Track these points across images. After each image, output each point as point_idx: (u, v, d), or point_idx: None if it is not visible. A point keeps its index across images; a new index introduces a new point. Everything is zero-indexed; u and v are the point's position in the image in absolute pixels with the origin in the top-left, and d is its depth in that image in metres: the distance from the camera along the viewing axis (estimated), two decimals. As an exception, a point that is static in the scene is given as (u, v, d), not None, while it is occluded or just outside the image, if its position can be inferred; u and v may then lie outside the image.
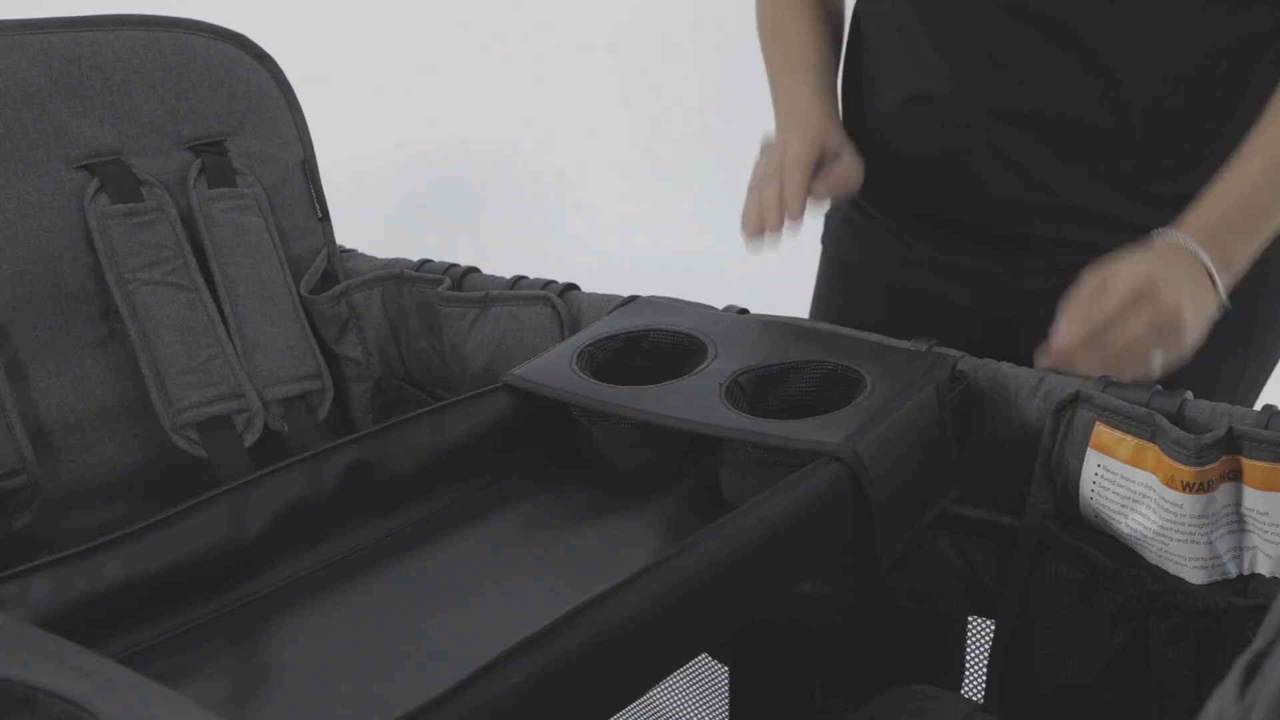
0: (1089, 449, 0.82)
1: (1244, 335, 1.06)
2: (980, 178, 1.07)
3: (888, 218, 1.17)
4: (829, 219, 1.27)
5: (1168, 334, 0.85)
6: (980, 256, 1.11)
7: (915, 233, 1.15)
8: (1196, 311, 0.86)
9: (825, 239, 1.27)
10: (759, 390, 0.90)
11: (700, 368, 0.91)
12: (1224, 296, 0.89)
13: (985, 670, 0.97)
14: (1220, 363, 1.04)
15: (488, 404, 0.92)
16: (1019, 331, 1.13)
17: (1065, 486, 0.85)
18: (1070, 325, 0.85)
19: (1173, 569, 0.81)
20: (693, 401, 0.86)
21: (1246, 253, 0.91)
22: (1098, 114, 1.00)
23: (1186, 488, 0.77)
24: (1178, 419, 0.79)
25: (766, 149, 1.04)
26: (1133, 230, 0.94)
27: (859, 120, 1.16)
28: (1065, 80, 1.00)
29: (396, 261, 1.19)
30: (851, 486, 0.77)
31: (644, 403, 0.87)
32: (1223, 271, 0.89)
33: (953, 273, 1.13)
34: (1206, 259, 0.87)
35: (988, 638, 0.96)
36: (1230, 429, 0.76)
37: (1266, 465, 0.76)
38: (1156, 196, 1.01)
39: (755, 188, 1.00)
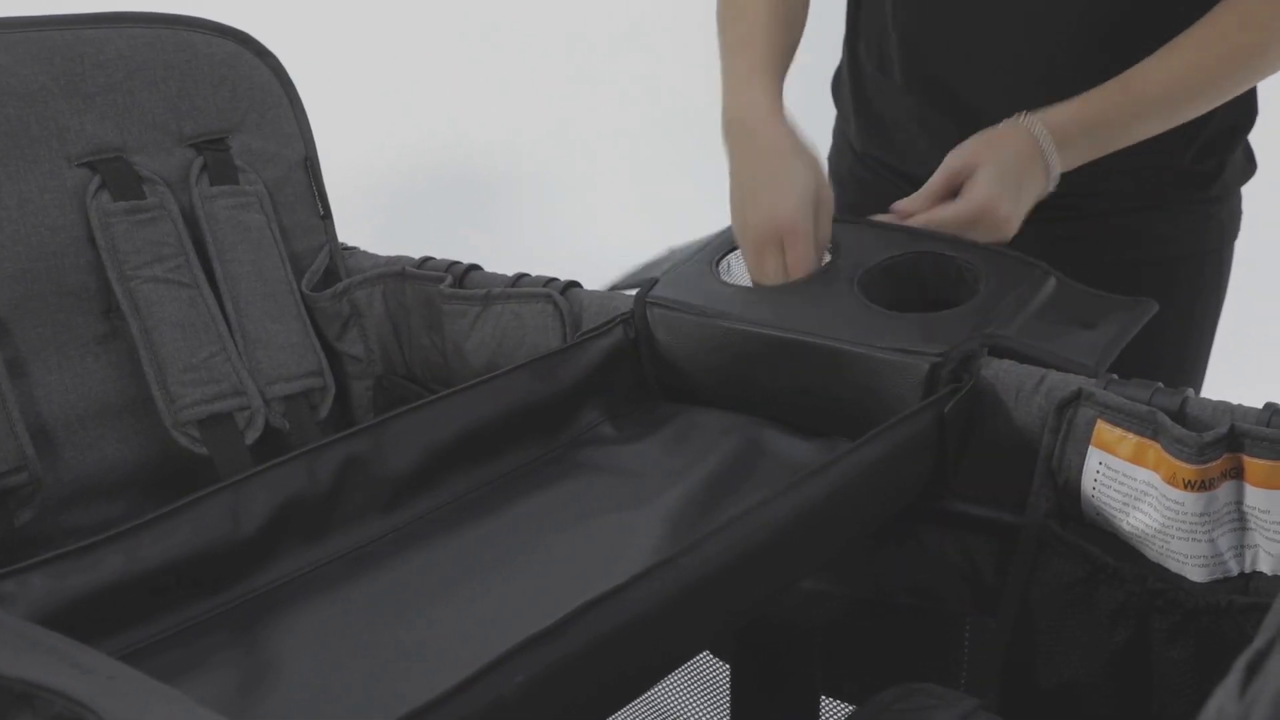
0: (1090, 447, 0.82)
1: (1214, 281, 1.20)
2: None
3: (892, 174, 1.18)
4: (832, 161, 1.28)
5: (992, 235, 1.00)
6: None
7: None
8: (1022, 210, 1.01)
9: (834, 183, 1.29)
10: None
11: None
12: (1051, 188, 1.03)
13: (986, 668, 0.97)
14: (1206, 310, 1.21)
15: (488, 396, 0.92)
16: None
17: (1067, 484, 0.84)
18: (908, 212, 1.02)
19: (1174, 567, 0.81)
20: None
21: (1083, 159, 1.04)
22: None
23: (1188, 485, 0.77)
24: (1179, 417, 0.79)
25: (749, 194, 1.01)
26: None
27: (858, 75, 1.19)
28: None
29: (398, 259, 1.19)
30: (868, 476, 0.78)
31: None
32: (1057, 170, 1.02)
33: None
34: (1054, 160, 1.01)
35: (989, 635, 0.96)
36: (1232, 426, 0.76)
37: (1268, 463, 0.76)
38: None
39: (759, 251, 0.99)
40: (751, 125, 1.03)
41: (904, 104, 1.18)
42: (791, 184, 0.99)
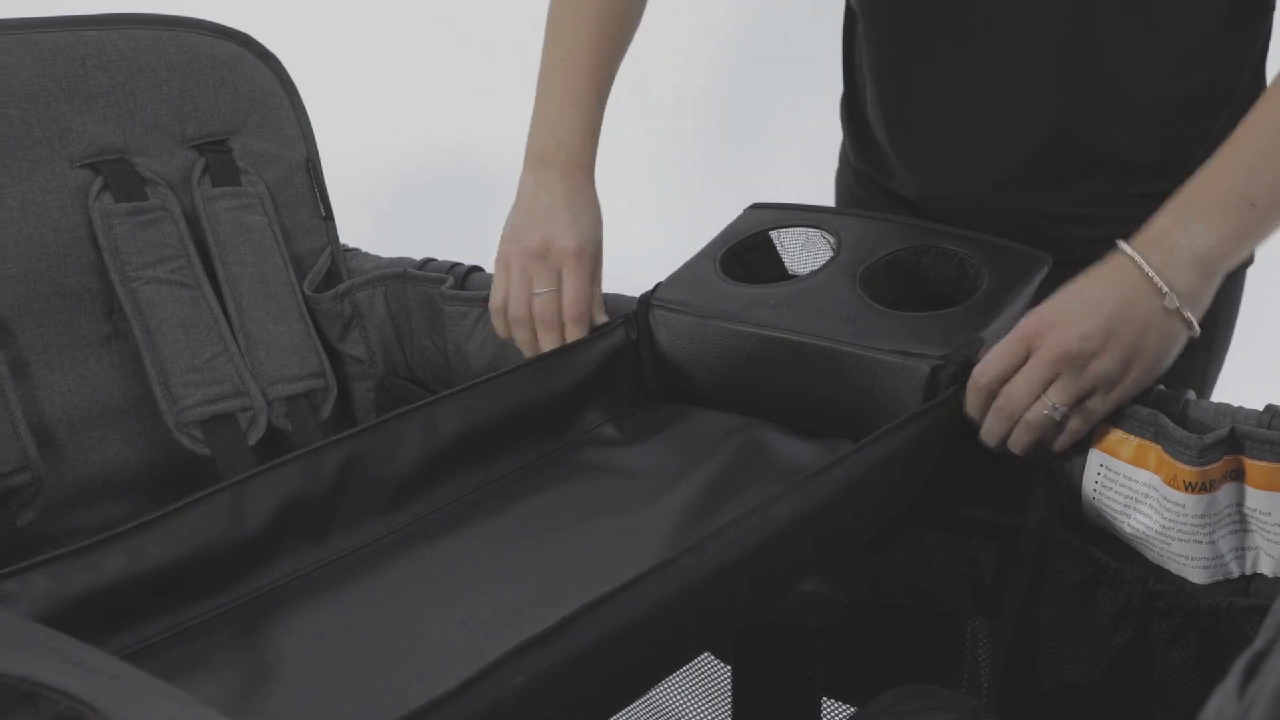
0: (1092, 449, 0.82)
1: (1209, 319, 0.92)
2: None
3: (883, 192, 1.19)
4: (838, 179, 1.29)
5: (1105, 384, 0.80)
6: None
7: (917, 212, 1.17)
8: (1148, 353, 0.80)
9: (839, 202, 1.29)
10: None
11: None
12: (1196, 322, 0.81)
13: (987, 669, 0.97)
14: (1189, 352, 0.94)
15: (489, 396, 0.92)
16: None
17: (1068, 486, 0.85)
18: (981, 373, 0.84)
19: (1175, 569, 0.81)
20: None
21: (1228, 234, 0.80)
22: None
23: (1189, 488, 0.77)
24: (1180, 419, 0.79)
25: (522, 239, 1.01)
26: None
27: (857, 108, 1.18)
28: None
29: (400, 260, 1.19)
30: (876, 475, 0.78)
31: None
32: (1193, 303, 0.81)
33: None
34: (1163, 284, 0.79)
35: (990, 637, 0.96)
36: (1232, 429, 0.76)
37: (1268, 465, 0.76)
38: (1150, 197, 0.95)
39: (524, 269, 1.00)
40: (560, 158, 1.06)
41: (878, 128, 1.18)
42: (588, 220, 1.05)
